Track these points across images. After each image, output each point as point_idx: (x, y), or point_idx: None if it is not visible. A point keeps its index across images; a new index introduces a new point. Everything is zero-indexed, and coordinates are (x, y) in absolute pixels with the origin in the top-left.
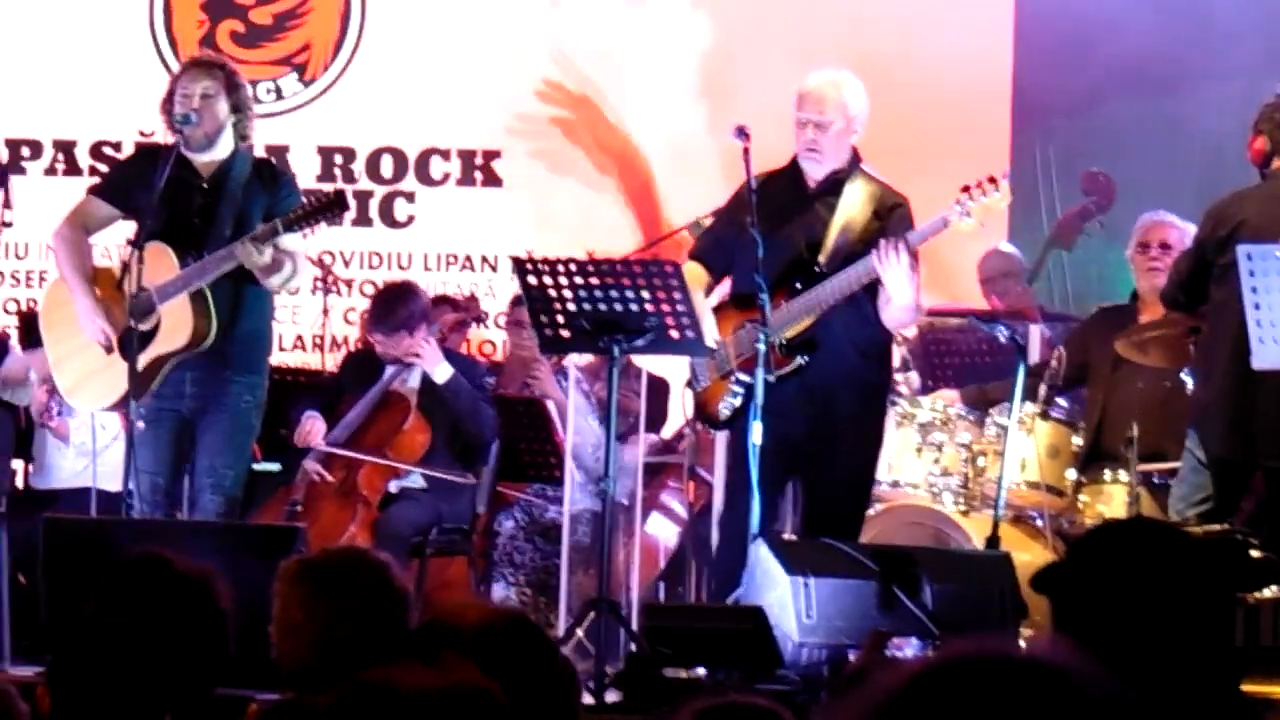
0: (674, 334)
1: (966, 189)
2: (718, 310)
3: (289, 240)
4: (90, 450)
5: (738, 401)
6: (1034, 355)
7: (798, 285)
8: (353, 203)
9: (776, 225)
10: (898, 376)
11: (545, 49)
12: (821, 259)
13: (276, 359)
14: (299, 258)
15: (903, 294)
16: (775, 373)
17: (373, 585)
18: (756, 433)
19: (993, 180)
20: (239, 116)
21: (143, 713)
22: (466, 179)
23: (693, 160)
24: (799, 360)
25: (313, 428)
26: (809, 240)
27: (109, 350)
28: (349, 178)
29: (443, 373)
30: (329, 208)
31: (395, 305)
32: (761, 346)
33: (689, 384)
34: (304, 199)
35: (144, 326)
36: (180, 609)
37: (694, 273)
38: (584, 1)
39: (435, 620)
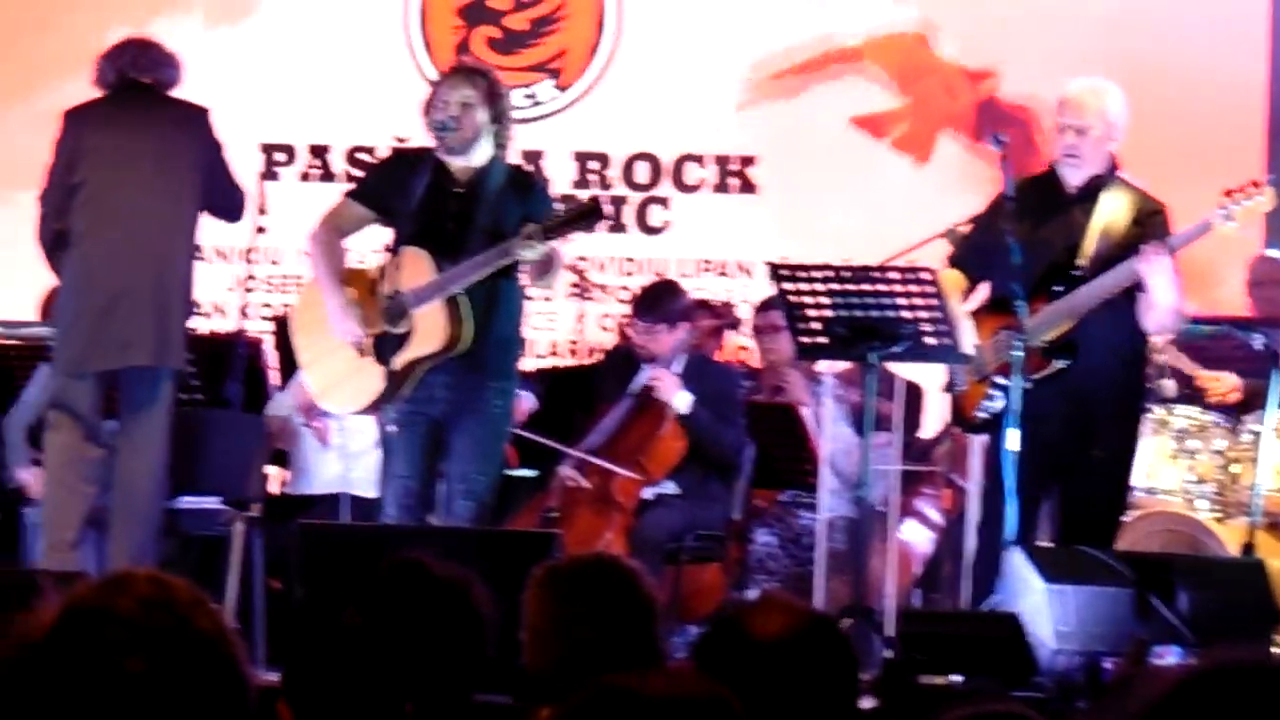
0: (930, 340)
1: (1229, 192)
2: (976, 315)
3: (549, 244)
4: (343, 451)
5: (996, 405)
6: None
7: (1057, 289)
8: (608, 208)
9: (1034, 230)
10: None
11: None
12: (1081, 263)
13: (538, 365)
14: (560, 260)
15: (1166, 297)
16: (1033, 377)
17: (620, 593)
18: (1013, 440)
19: (1256, 184)
20: (498, 125)
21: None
22: (721, 185)
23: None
24: (1057, 364)
25: (518, 406)
26: (1067, 244)
27: (360, 353)
28: (604, 184)
29: (682, 401)
30: (585, 216)
31: (661, 297)
32: (1018, 354)
33: (947, 387)
34: (558, 205)
35: (398, 330)
36: (439, 614)
37: (952, 279)
38: None
39: (730, 620)
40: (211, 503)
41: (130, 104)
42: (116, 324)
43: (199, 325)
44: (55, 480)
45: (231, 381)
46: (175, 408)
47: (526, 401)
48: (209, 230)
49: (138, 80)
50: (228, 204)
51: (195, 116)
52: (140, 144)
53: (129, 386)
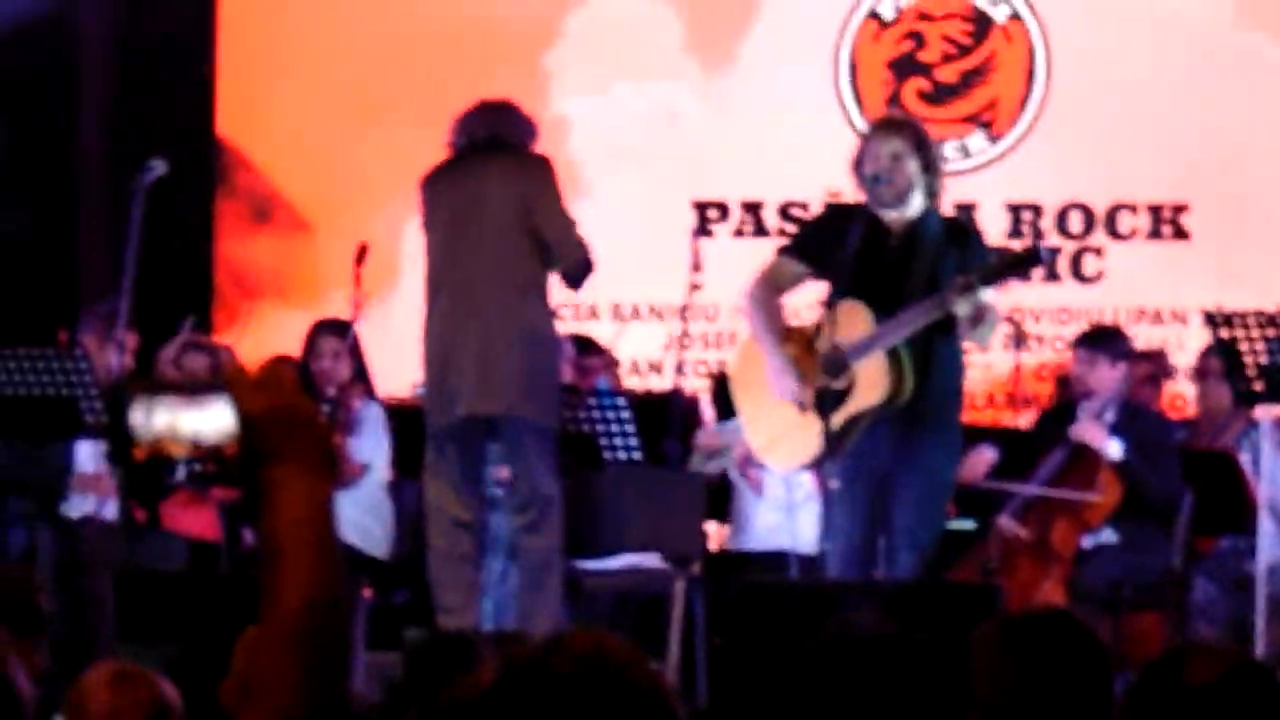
0: None
1: None
2: None
3: (984, 294)
4: (785, 504)
5: None
6: None
7: None
8: (1046, 260)
9: None
10: None
11: None
12: None
13: (968, 417)
14: (995, 312)
15: None
16: None
17: (1076, 647)
18: None
19: None
20: (928, 175)
21: None
22: (1155, 232)
23: None
24: None
25: (978, 458)
26: None
27: (801, 409)
28: (1037, 234)
29: (1115, 449)
30: (1024, 262)
31: (1105, 333)
32: None
33: None
34: (993, 256)
35: (838, 385)
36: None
37: None
38: None
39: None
40: (652, 560)
41: (472, 160)
42: (450, 378)
43: (634, 383)
44: (433, 542)
45: (669, 439)
46: (554, 462)
47: (989, 453)
48: (645, 287)
49: (488, 140)
50: (564, 244)
51: (530, 165)
52: (474, 199)
53: (505, 442)
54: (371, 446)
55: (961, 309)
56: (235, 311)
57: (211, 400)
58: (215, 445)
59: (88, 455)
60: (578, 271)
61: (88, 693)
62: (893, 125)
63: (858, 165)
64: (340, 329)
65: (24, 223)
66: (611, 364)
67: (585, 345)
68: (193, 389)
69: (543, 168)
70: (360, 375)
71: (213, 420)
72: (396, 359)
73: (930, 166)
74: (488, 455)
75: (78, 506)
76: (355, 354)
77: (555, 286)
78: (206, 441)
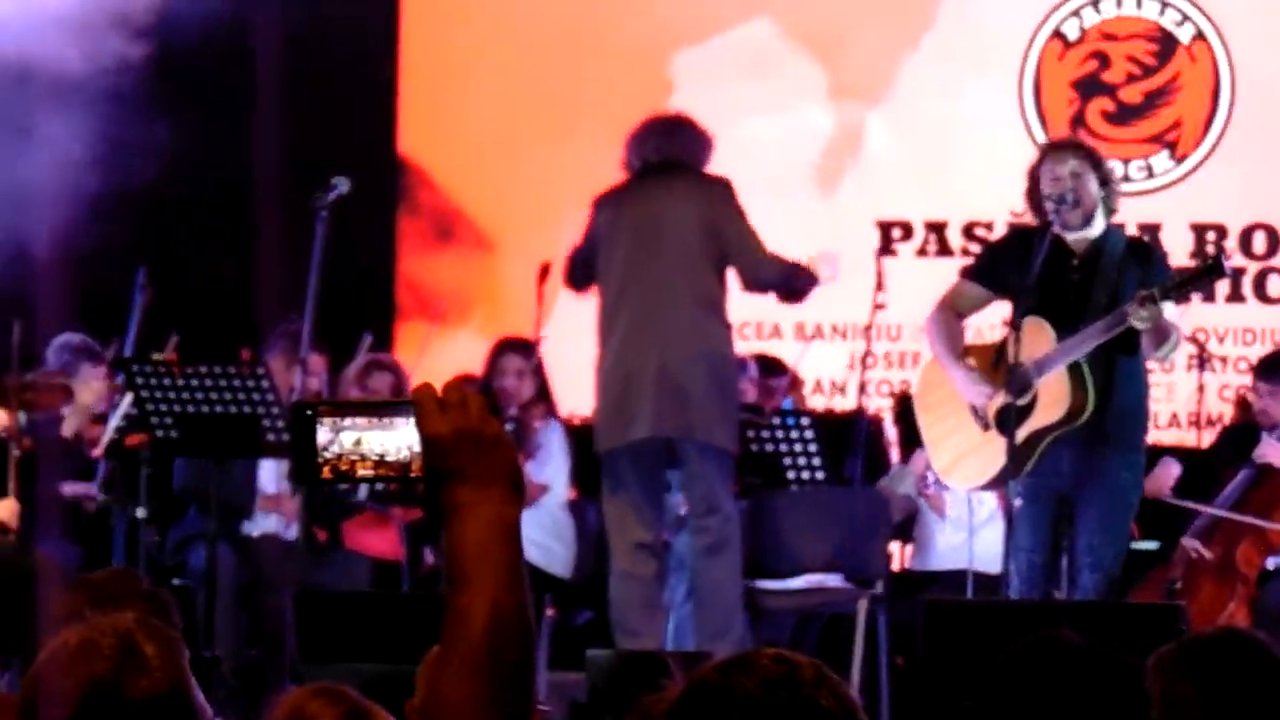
0: None
1: None
2: None
3: (1168, 311)
4: (966, 525)
5: None
6: None
7: None
8: (1228, 272)
9: None
10: None
11: None
12: None
13: (1151, 437)
14: (1178, 330)
15: None
16: None
17: (1256, 667)
18: None
19: None
20: (1106, 191)
21: None
22: None
23: None
24: None
25: (1165, 471)
26: None
27: (984, 428)
28: (1219, 246)
29: None
30: (1205, 274)
31: None
32: None
33: None
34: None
35: (1021, 401)
36: (1081, 689)
37: None
38: None
39: None
40: (835, 580)
41: (650, 182)
42: (630, 399)
43: (818, 403)
44: (615, 564)
45: (852, 459)
46: (732, 483)
47: (1175, 467)
48: (829, 307)
49: (663, 159)
50: (754, 268)
51: (713, 187)
52: (655, 220)
53: (684, 464)
54: (553, 467)
55: (1142, 322)
56: (417, 330)
57: (398, 420)
58: (400, 466)
59: (270, 475)
60: (785, 283)
61: (294, 711)
62: (1065, 146)
63: (1032, 193)
64: (523, 348)
65: (203, 241)
66: (795, 384)
67: (769, 365)
68: (379, 409)
69: (726, 190)
70: (542, 395)
71: (398, 440)
72: (577, 378)
73: (1107, 182)
74: (667, 477)
75: (259, 525)
76: (537, 373)
77: (769, 303)
78: (392, 460)
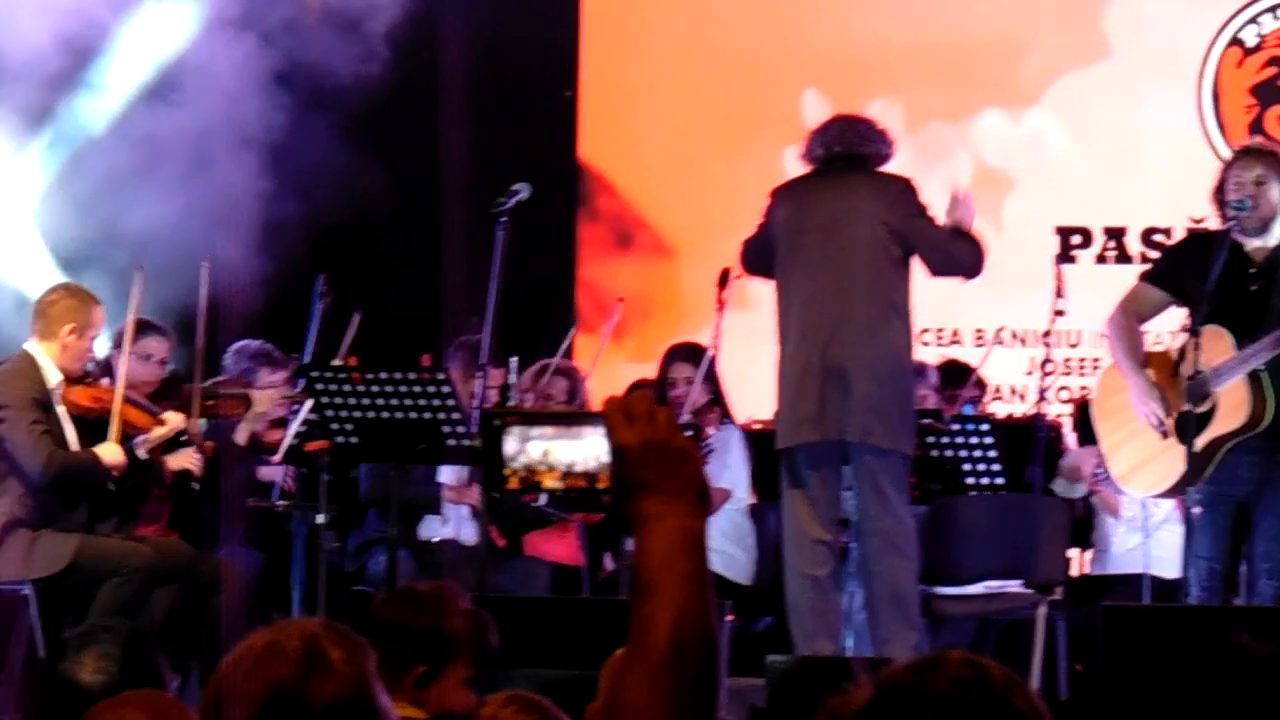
0: None
1: None
2: None
3: None
4: (1141, 526)
5: None
6: None
7: None
8: None
9: None
10: None
11: None
12: None
13: None
14: None
15: None
16: None
17: None
18: None
19: None
20: None
21: None
22: None
23: None
24: None
25: None
26: None
27: (1163, 435)
28: None
29: None
30: None
31: None
32: None
33: None
34: None
35: (1200, 409)
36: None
37: None
38: None
39: None
40: (1014, 586)
41: (831, 179)
42: (807, 400)
43: (997, 409)
44: (789, 559)
45: (1032, 465)
46: (908, 488)
47: None
48: (1009, 313)
49: (843, 154)
50: (945, 263)
51: (894, 185)
52: (835, 219)
53: (860, 468)
54: (732, 472)
55: None
56: (596, 335)
57: (586, 430)
58: (588, 476)
59: (449, 481)
60: (967, 257)
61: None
62: (1255, 152)
63: (1219, 192)
64: (694, 354)
65: (387, 245)
66: (975, 389)
67: (949, 371)
68: (567, 420)
69: (907, 188)
70: (716, 399)
71: (586, 451)
72: (758, 383)
73: None
74: (843, 479)
75: (436, 530)
76: (710, 379)
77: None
78: (579, 471)
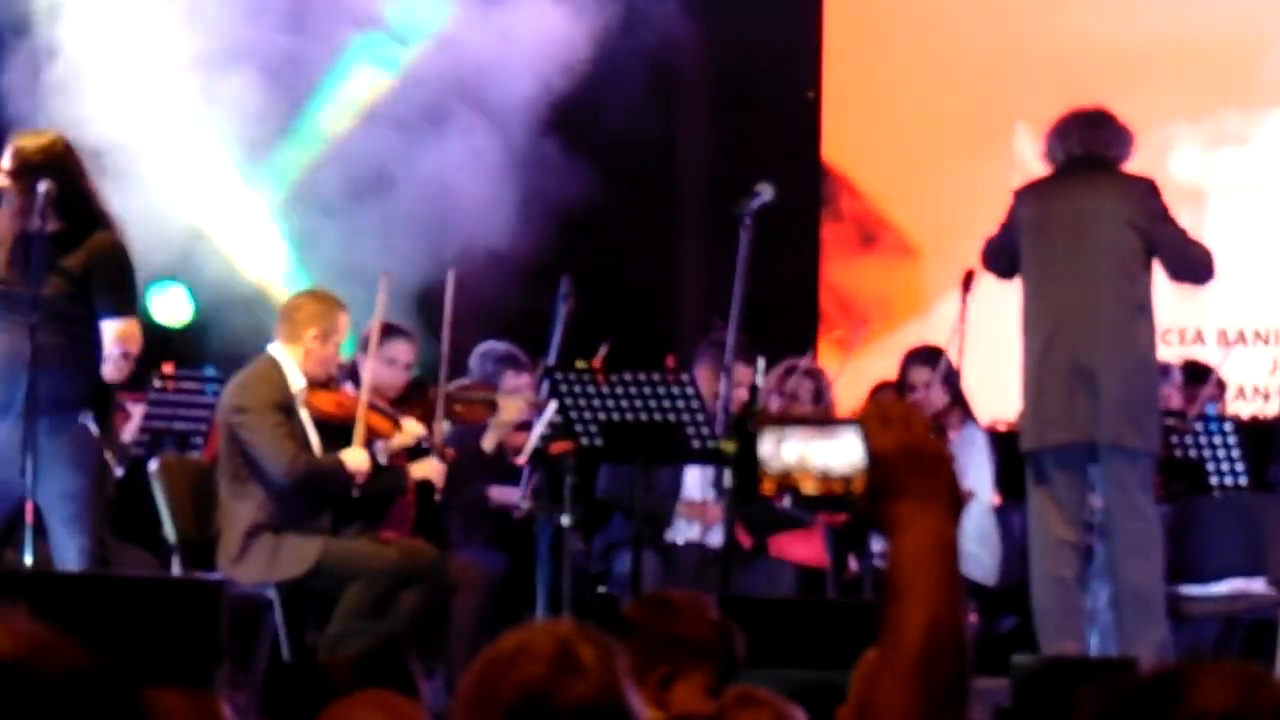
0: None
1: None
2: None
3: None
4: None
5: None
6: None
7: None
8: None
9: None
10: None
11: None
12: None
13: None
14: None
15: None
16: None
17: None
18: None
19: None
20: None
21: None
22: None
23: None
24: None
25: None
26: None
27: None
28: None
29: None
30: None
31: None
32: None
33: None
34: None
35: None
36: None
37: None
38: None
39: None
40: (1258, 585)
41: (1074, 179)
42: (1047, 401)
43: (1241, 408)
44: (1035, 557)
45: (1275, 465)
46: (1147, 492)
47: None
48: (1253, 312)
49: (1086, 154)
50: (1184, 267)
51: (1138, 186)
52: (1080, 219)
53: (1107, 469)
54: (975, 473)
55: None
56: (839, 336)
57: (842, 433)
58: (843, 481)
59: (695, 482)
60: (1199, 280)
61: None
62: None
63: None
64: (931, 357)
65: (625, 246)
66: (1218, 389)
67: (1192, 371)
68: (823, 421)
69: (1151, 189)
70: (957, 401)
71: (843, 453)
72: (1002, 384)
73: None
74: (1089, 479)
75: (682, 532)
76: (951, 380)
77: (1192, 308)
78: (835, 474)
